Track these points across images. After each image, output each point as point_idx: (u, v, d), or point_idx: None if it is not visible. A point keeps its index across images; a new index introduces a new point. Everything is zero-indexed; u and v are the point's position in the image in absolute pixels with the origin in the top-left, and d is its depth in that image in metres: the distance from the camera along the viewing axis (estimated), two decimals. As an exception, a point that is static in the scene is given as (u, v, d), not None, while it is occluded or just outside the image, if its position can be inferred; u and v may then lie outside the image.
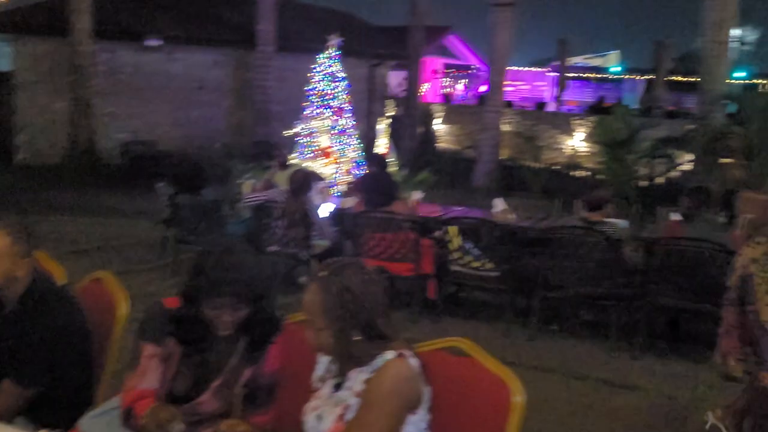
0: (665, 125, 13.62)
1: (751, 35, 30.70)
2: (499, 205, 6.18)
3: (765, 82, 22.01)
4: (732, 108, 11.20)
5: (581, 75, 26.56)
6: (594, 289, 4.96)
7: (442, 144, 18.34)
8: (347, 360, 1.87)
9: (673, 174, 11.88)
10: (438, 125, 19.05)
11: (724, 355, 3.23)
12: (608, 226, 5.12)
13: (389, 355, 1.82)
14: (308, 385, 2.02)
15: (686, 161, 11.33)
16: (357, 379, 1.83)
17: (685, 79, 19.71)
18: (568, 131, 16.65)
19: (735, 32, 30.39)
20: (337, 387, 1.90)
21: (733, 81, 18.65)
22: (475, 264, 5.31)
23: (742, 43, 30.82)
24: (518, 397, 1.97)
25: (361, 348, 1.83)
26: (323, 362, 2.00)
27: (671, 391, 4.31)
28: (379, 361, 1.82)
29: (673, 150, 11.72)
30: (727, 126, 10.17)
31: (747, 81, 20.36)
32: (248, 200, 6.10)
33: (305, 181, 5.56)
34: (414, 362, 1.83)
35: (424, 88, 21.35)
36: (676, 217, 5.26)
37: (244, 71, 15.15)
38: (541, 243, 5.18)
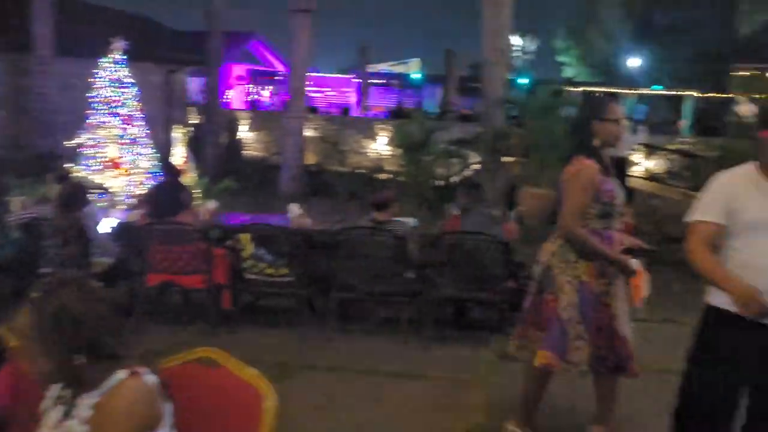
0: (459, 128, 14.53)
1: (531, 45, 34.06)
2: (294, 210, 6.17)
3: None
4: (515, 111, 12.28)
5: (386, 81, 27.62)
6: (384, 286, 5.13)
7: (250, 151, 18.08)
8: (76, 385, 1.72)
9: (468, 173, 12.75)
10: (245, 132, 18.74)
11: (516, 337, 3.51)
12: (395, 225, 5.32)
13: (121, 374, 1.70)
14: (38, 415, 1.83)
15: (477, 161, 12.21)
16: (84, 404, 1.69)
17: (477, 84, 21.31)
18: (372, 136, 17.22)
19: (518, 42, 33.31)
20: (66, 415, 1.74)
21: (519, 87, 20.57)
22: (269, 270, 5.25)
23: (525, 53, 34.12)
24: (270, 402, 1.94)
25: (87, 371, 1.69)
26: (54, 389, 1.82)
27: (456, 374, 4.58)
28: (109, 383, 1.69)
29: (466, 150, 12.58)
30: (508, 127, 11.10)
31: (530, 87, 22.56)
32: (15, 219, 5.50)
33: (75, 194, 5.13)
34: (150, 379, 1.73)
35: (230, 94, 20.86)
36: (455, 211, 5.61)
37: (20, 77, 13.70)
38: (333, 245, 5.25)
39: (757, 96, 9.90)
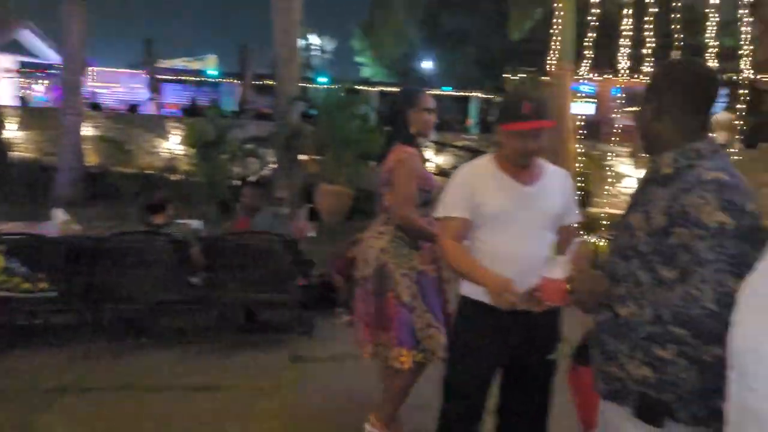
0: (255, 126, 14.21)
1: (329, 45, 34.45)
2: (59, 216, 5.50)
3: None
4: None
5: (181, 78, 26.31)
6: (165, 294, 4.73)
7: (20, 152, 16.12)
8: None
9: (266, 172, 12.48)
10: (13, 131, 16.68)
11: (360, 343, 3.31)
12: (175, 227, 4.93)
13: None
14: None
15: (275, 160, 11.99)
16: None
17: (274, 82, 21.07)
18: (164, 134, 16.22)
19: (316, 41, 33.47)
20: None
21: (318, 85, 20.65)
22: (26, 285, 4.60)
23: (323, 52, 34.44)
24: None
25: None
26: None
27: (252, 381, 4.33)
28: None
29: (264, 149, 12.30)
30: (303, 125, 11.02)
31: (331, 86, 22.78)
32: None
33: None
34: None
35: (-7, 89, 18.51)
36: (242, 212, 5.35)
37: None
38: (102, 253, 4.73)
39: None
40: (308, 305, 5.14)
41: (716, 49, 9.61)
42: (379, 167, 3.30)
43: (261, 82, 21.95)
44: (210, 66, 30.31)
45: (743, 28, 9.63)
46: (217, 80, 26.43)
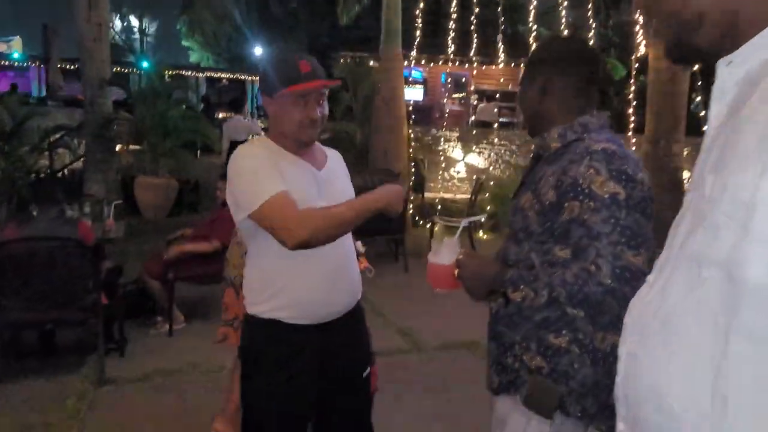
0: (65, 113, 12.82)
1: (151, 27, 32.28)
2: None
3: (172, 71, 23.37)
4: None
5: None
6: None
7: None
8: None
9: (78, 165, 11.23)
10: None
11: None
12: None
13: None
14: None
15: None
16: None
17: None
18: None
19: (135, 23, 31.31)
20: None
21: (141, 71, 19.09)
22: None
23: (145, 34, 32.24)
24: None
25: None
26: None
27: (40, 416, 3.62)
28: None
29: (75, 139, 11.07)
30: (116, 112, 9.98)
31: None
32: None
33: None
34: None
35: None
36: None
37: None
38: None
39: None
40: (118, 317, 4.48)
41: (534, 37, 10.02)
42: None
43: (73, 66, 19.93)
44: (15, 49, 27.11)
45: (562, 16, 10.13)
46: (23, 64, 23.76)
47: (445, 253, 1.77)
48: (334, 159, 2.23)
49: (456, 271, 1.74)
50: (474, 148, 12.25)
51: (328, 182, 2.10)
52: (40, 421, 3.53)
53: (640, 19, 9.00)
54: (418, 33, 10.37)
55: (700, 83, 9.55)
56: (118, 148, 9.88)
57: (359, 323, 2.21)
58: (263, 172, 1.94)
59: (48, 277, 3.86)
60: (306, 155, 2.09)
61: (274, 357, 1.99)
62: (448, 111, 16.67)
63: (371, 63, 11.90)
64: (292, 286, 1.98)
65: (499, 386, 1.77)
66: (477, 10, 10.91)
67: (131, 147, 10.53)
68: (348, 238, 2.15)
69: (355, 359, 2.18)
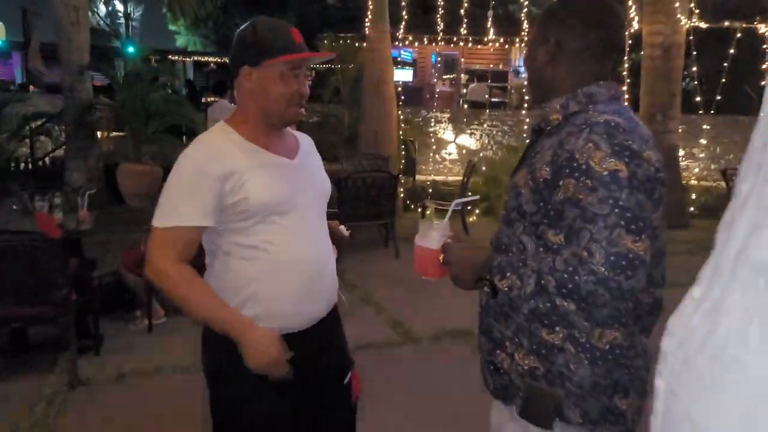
0: (45, 100, 12.51)
1: (136, 11, 31.62)
2: None
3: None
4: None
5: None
6: None
7: None
8: None
9: (60, 153, 10.96)
10: None
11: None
12: None
13: None
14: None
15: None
16: None
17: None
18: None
19: (120, 7, 30.70)
20: None
21: (127, 56, 18.66)
22: None
23: (130, 19, 31.63)
24: None
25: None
26: None
27: (9, 420, 3.42)
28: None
29: (56, 126, 10.78)
30: (98, 98, 9.69)
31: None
32: None
33: None
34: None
35: None
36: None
37: None
38: None
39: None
40: (92, 312, 4.26)
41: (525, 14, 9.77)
42: None
43: (51, 52, 19.53)
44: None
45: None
46: (6, 51, 23.29)
47: (433, 236, 1.61)
48: (305, 144, 2.01)
49: (442, 257, 1.57)
50: (465, 129, 12.02)
51: (304, 173, 1.90)
52: (7, 430, 3.32)
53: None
54: (404, 12, 10.10)
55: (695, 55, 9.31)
56: (99, 134, 9.60)
57: (335, 327, 2.00)
58: (187, 194, 1.73)
59: (13, 273, 3.63)
60: (277, 144, 1.87)
61: (245, 371, 1.73)
62: (438, 92, 16.40)
63: (358, 44, 11.60)
64: (266, 294, 1.77)
65: (493, 389, 1.62)
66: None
67: (113, 133, 10.26)
68: (326, 237, 1.94)
69: (333, 366, 1.98)
